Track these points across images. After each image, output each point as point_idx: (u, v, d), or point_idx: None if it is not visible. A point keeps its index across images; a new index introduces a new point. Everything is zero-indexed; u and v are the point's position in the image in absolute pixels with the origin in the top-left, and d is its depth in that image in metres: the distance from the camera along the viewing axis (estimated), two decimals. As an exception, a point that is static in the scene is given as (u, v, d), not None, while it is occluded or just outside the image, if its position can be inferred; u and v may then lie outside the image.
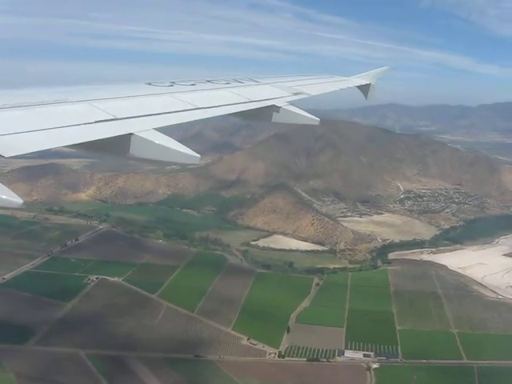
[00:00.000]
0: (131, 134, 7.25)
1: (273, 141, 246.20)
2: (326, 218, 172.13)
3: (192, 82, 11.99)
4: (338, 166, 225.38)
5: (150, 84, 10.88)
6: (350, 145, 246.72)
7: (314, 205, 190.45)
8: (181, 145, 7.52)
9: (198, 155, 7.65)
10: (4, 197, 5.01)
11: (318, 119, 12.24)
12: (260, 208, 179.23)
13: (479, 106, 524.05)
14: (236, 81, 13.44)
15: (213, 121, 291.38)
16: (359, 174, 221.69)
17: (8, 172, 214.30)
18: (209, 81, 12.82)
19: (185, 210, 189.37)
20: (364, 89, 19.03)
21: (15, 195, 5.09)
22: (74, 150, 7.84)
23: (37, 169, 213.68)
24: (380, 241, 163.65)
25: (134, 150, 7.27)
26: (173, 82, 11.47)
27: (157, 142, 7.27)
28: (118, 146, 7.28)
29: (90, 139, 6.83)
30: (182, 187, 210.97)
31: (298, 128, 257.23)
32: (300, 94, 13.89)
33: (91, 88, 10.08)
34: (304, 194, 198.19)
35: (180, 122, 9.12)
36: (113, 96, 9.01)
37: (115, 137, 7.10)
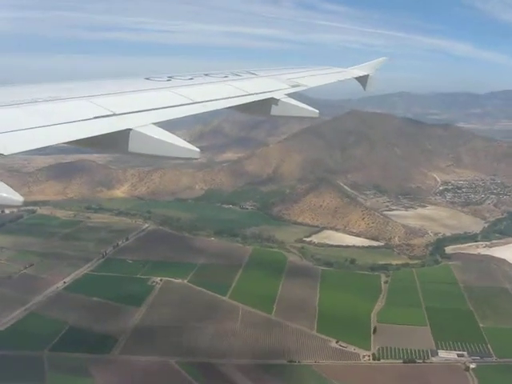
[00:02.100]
0: (130, 129, 7.18)
1: (303, 135, 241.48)
2: (377, 213, 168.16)
3: (190, 76, 11.93)
4: (375, 159, 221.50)
5: (148, 79, 10.88)
6: (382, 136, 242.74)
7: (358, 199, 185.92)
8: (180, 139, 7.42)
9: (198, 149, 7.49)
10: (4, 195, 4.89)
11: (317, 111, 11.77)
12: (306, 203, 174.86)
13: (488, 93, 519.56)
14: (234, 74, 13.35)
15: (230, 115, 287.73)
16: (396, 166, 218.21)
17: (37, 170, 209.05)
18: (207, 74, 12.72)
19: (226, 206, 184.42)
20: (362, 80, 18.65)
21: (16, 193, 5.00)
22: None
23: (66, 166, 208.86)
24: (432, 235, 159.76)
25: (134, 145, 7.20)
26: (171, 77, 11.43)
27: (156, 136, 7.23)
28: (118, 141, 7.19)
29: (89, 135, 6.78)
30: (218, 182, 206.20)
31: (327, 121, 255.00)
32: (298, 86, 13.65)
33: (89, 84, 9.97)
34: (346, 188, 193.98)
35: (179, 116, 8.98)
36: (111, 92, 8.94)
37: (114, 132, 7.03)
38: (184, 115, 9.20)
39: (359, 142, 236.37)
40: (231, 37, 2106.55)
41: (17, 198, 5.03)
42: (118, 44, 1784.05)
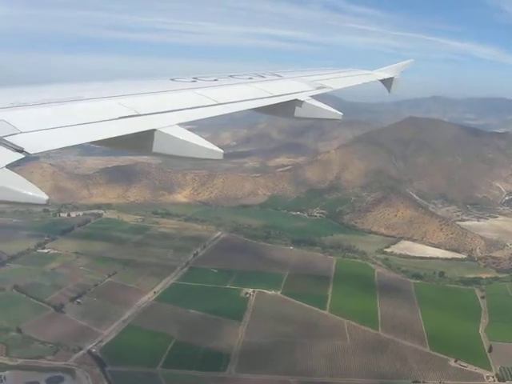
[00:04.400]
0: (154, 129, 7.16)
1: (362, 142, 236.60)
2: (455, 223, 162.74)
3: (215, 78, 11.71)
4: (438, 167, 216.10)
5: (173, 80, 10.85)
6: (443, 144, 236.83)
7: (429, 208, 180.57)
8: (204, 140, 7.36)
9: (222, 151, 7.32)
10: (30, 193, 4.84)
11: (341, 114, 11.32)
12: (379, 212, 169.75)
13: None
14: (258, 75, 13.07)
15: (275, 121, 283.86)
16: (459, 174, 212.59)
17: (95, 173, 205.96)
18: (231, 76, 12.40)
19: (293, 213, 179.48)
20: (387, 82, 18.11)
21: (40, 191, 4.89)
22: None
23: (124, 169, 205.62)
24: (511, 247, 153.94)
25: (158, 145, 7.18)
26: (195, 78, 11.31)
27: (180, 137, 7.17)
28: (142, 142, 7.18)
29: (113, 135, 6.78)
30: (281, 188, 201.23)
31: (384, 128, 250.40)
32: (323, 87, 13.25)
33: (114, 84, 9.89)
34: (416, 197, 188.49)
35: (203, 117, 8.85)
36: (136, 92, 8.88)
37: (139, 133, 7.05)
38: (208, 116, 8.99)
39: (420, 149, 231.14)
40: (257, 38, 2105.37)
41: (41, 195, 4.85)
42: (141, 45, 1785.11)
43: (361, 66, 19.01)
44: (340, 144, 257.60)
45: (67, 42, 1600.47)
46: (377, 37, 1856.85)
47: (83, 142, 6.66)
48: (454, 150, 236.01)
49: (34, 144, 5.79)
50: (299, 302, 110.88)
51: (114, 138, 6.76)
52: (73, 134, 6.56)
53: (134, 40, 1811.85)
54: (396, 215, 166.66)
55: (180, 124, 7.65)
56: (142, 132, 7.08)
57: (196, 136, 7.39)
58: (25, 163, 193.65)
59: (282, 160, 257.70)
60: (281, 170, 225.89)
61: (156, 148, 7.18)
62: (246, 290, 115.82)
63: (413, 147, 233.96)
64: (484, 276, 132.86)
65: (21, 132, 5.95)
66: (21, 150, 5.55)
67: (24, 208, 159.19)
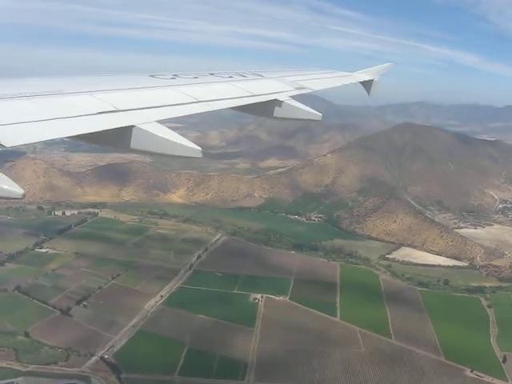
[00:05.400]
0: (133, 126, 7.08)
1: (357, 146, 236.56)
2: (455, 231, 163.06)
3: (195, 75, 11.72)
4: (432, 174, 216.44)
5: (152, 76, 10.67)
6: (436, 151, 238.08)
7: (427, 215, 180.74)
8: (183, 138, 7.24)
9: (199, 148, 7.22)
10: (5, 187, 4.89)
11: (321, 114, 11.17)
12: (378, 217, 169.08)
13: (506, 106, 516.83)
14: (239, 74, 13.09)
15: (264, 122, 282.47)
16: (453, 181, 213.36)
17: (87, 171, 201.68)
18: (212, 74, 12.51)
19: (291, 217, 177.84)
20: (367, 85, 18.32)
21: (17, 186, 4.96)
22: None
23: (118, 167, 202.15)
24: (510, 256, 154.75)
25: (136, 142, 7.09)
26: (175, 75, 11.20)
27: (159, 134, 7.09)
28: (120, 138, 7.09)
29: (92, 130, 6.71)
30: (277, 191, 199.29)
31: (379, 133, 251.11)
32: (303, 88, 13.38)
33: (94, 79, 9.85)
34: (413, 203, 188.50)
35: (182, 114, 8.73)
36: (115, 88, 8.78)
37: (117, 129, 6.96)
38: (188, 114, 8.80)
39: (414, 155, 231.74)
40: (240, 37, 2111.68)
41: (17, 190, 4.91)
42: (124, 40, 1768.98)
43: (343, 69, 19.21)
44: (331, 147, 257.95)
45: (52, 35, 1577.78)
46: (360, 40, 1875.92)
47: (61, 137, 6.68)
48: (447, 156, 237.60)
49: (11, 137, 5.69)
50: (309, 309, 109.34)
51: (92, 133, 6.67)
52: (51, 129, 6.45)
53: (118, 36, 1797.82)
54: (395, 221, 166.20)
55: (159, 121, 7.54)
56: (121, 128, 6.98)
57: (174, 133, 7.28)
58: (17, 159, 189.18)
59: (273, 162, 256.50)
60: (274, 172, 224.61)
61: (134, 144, 7.08)
62: (253, 295, 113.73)
63: (407, 153, 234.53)
64: (487, 285, 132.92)
65: None
66: None
67: (18, 205, 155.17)
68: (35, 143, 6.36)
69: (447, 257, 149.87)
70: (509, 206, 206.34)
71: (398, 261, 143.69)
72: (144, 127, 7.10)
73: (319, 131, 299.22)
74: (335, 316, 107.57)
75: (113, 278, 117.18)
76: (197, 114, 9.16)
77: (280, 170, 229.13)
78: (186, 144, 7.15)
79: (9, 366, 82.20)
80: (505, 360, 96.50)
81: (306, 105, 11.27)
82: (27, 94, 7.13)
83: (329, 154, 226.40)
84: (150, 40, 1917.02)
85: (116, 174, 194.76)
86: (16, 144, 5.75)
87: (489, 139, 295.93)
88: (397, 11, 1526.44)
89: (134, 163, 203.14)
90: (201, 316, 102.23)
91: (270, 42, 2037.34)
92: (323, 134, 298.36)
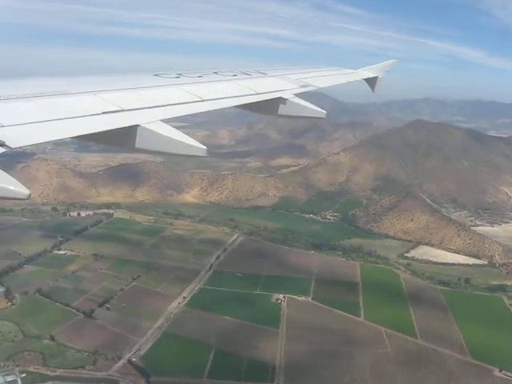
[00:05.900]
0: (137, 125, 7.09)
1: (369, 144, 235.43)
2: (472, 229, 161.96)
3: (199, 74, 11.71)
4: (447, 171, 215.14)
5: (157, 75, 10.71)
6: (450, 148, 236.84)
7: (443, 213, 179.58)
8: (187, 136, 7.23)
9: (205, 147, 7.22)
10: (11, 188, 4.85)
11: (325, 112, 11.15)
12: (395, 216, 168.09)
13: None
14: (243, 73, 12.96)
15: (274, 121, 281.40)
16: (468, 179, 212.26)
17: (100, 171, 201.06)
18: (216, 72, 12.41)
19: (306, 216, 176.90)
20: (371, 82, 18.11)
21: (22, 186, 4.94)
22: None
23: (130, 167, 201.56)
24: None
25: (141, 141, 7.10)
26: (180, 74, 11.26)
27: (163, 133, 7.10)
28: (125, 137, 7.09)
29: (96, 130, 6.70)
30: (291, 190, 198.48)
31: (391, 131, 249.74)
32: (307, 86, 13.19)
33: (98, 79, 9.84)
34: (429, 201, 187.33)
35: (187, 113, 8.69)
36: (120, 87, 8.77)
37: (122, 128, 6.94)
38: (192, 113, 8.74)
39: (428, 153, 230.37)
40: (243, 35, 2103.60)
41: (23, 190, 4.90)
42: (127, 40, 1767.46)
43: (346, 66, 19.05)
44: (341, 145, 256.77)
45: (53, 35, 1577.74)
46: (363, 36, 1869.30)
47: (66, 137, 6.64)
48: (461, 154, 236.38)
49: (16, 138, 5.64)
50: (332, 309, 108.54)
51: (97, 133, 6.62)
52: (56, 129, 6.41)
53: (121, 35, 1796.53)
54: (412, 219, 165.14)
55: (164, 120, 7.49)
56: (125, 127, 6.94)
57: (179, 132, 7.26)
58: (29, 160, 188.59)
59: (285, 160, 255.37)
60: (286, 170, 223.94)
61: (139, 144, 7.06)
62: (276, 295, 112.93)
63: (421, 151, 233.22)
64: (508, 283, 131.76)
65: (2, 126, 5.78)
66: (2, 144, 5.37)
67: (33, 206, 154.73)
68: (42, 143, 6.20)
69: (466, 255, 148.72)
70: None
71: (417, 259, 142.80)
72: (149, 126, 7.12)
73: (329, 129, 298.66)
74: (359, 316, 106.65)
75: (133, 280, 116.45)
76: (201, 112, 9.14)
77: (292, 168, 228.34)
78: (190, 143, 7.17)
79: (36, 370, 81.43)
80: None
81: (311, 102, 11.18)
82: (31, 95, 7.14)
83: (342, 152, 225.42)
84: (153, 39, 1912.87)
85: (129, 175, 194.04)
86: (21, 145, 5.71)
87: (501, 136, 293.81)
88: (399, 7, 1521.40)
89: (146, 163, 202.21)
90: (226, 317, 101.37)
91: (273, 40, 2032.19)
92: (333, 133, 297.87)
